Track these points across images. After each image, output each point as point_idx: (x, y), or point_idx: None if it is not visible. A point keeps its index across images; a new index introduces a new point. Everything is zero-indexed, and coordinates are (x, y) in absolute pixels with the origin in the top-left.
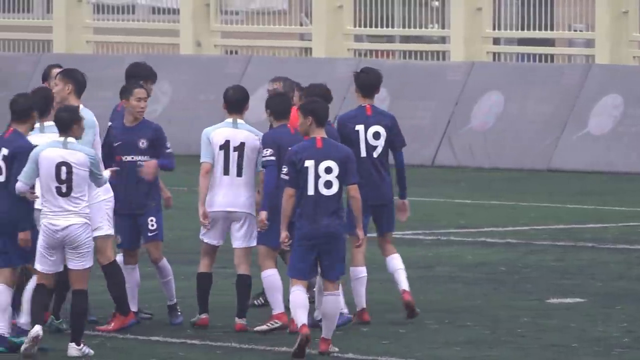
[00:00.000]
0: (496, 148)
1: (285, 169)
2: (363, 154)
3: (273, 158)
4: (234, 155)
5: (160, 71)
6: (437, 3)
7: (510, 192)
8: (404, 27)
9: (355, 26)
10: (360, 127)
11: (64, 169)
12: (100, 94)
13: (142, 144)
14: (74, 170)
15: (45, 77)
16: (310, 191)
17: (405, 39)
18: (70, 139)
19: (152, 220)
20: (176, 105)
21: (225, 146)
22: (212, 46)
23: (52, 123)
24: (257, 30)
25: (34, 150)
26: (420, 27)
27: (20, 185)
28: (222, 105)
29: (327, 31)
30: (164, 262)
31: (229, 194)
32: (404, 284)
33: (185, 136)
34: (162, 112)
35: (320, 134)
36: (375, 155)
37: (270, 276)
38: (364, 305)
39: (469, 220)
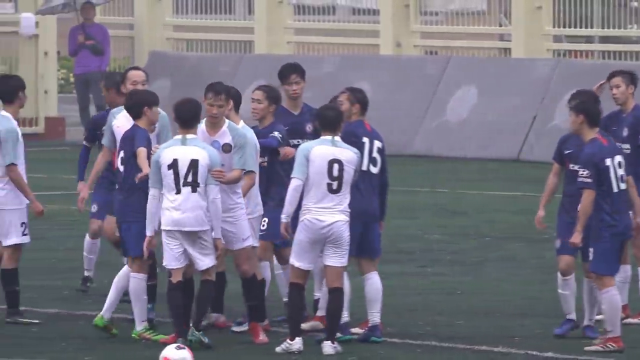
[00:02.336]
0: None
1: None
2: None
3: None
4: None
5: (360, 71)
6: (635, 4)
7: None
8: (602, 27)
9: (554, 27)
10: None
11: (336, 166)
12: None
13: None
14: (345, 168)
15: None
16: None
17: (604, 40)
18: (337, 138)
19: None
20: (375, 104)
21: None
22: (412, 46)
23: (194, 136)
24: (456, 30)
25: (304, 147)
26: (620, 27)
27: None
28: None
29: (526, 32)
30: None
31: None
32: None
33: (385, 136)
34: None
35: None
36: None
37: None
38: None
39: None
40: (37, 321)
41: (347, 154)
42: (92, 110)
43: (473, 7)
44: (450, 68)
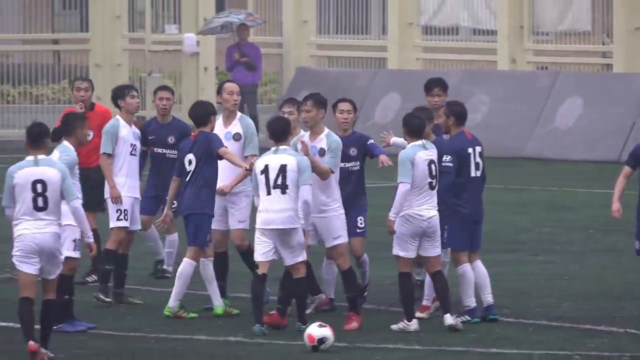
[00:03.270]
0: None
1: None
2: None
3: (451, 164)
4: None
5: (480, 85)
6: None
7: None
8: None
9: None
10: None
11: (433, 166)
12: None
13: None
14: (437, 166)
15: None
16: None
17: None
18: (425, 141)
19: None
20: (493, 114)
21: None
22: (525, 62)
23: (286, 146)
24: (564, 48)
25: (408, 154)
26: None
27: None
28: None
29: (626, 49)
30: (365, 257)
31: None
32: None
33: (501, 141)
34: (481, 120)
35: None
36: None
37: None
38: None
39: None
40: (139, 302)
41: (435, 152)
42: None
43: (579, 27)
44: (559, 82)
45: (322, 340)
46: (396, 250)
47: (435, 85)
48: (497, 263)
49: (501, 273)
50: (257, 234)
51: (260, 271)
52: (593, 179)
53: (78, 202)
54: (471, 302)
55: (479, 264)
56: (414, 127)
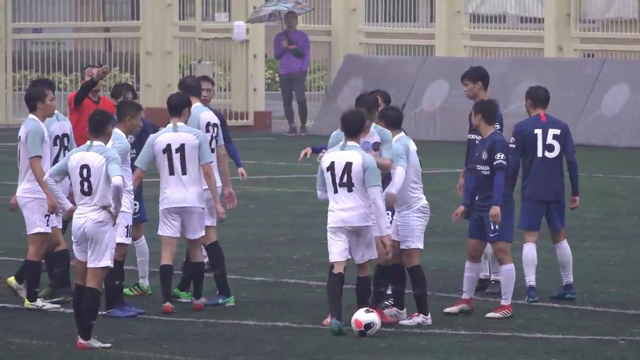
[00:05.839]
0: None
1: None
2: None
3: (504, 162)
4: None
5: (527, 72)
6: None
7: None
8: None
9: None
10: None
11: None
12: None
13: None
14: None
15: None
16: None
17: None
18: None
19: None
20: None
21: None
22: (572, 50)
23: (354, 143)
24: (611, 36)
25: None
26: None
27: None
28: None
29: None
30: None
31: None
32: None
33: None
34: None
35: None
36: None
37: (510, 270)
38: None
39: None
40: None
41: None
42: (294, 106)
43: (626, 15)
44: (605, 69)
45: (369, 326)
46: (419, 244)
47: (464, 75)
48: (543, 249)
49: (548, 258)
50: (329, 234)
51: (336, 271)
52: (638, 165)
53: (118, 180)
54: (529, 281)
55: (562, 244)
56: (392, 119)
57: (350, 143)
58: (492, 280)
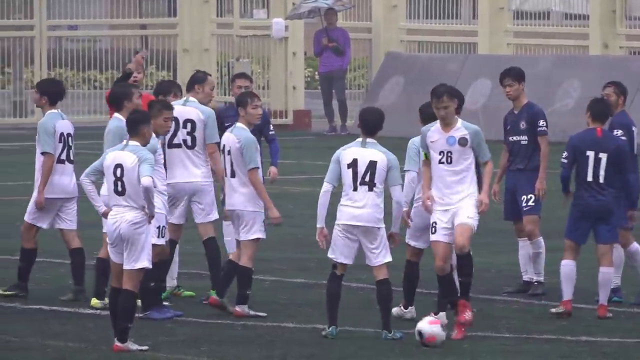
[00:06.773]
0: None
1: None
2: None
3: (565, 160)
4: None
5: (571, 70)
6: None
7: None
8: None
9: None
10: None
11: None
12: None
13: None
14: None
15: (200, 81)
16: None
17: None
18: None
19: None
20: (585, 100)
21: None
22: (617, 47)
23: (374, 140)
24: None
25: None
26: None
27: None
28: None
29: None
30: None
31: None
32: None
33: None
34: (573, 106)
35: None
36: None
37: (567, 266)
38: None
39: None
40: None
41: None
42: (334, 105)
43: None
44: None
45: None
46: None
47: (505, 75)
48: (587, 249)
49: (592, 259)
50: (338, 232)
51: (339, 272)
52: None
53: (146, 181)
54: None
55: (633, 246)
56: (429, 114)
57: (370, 140)
58: (535, 282)
